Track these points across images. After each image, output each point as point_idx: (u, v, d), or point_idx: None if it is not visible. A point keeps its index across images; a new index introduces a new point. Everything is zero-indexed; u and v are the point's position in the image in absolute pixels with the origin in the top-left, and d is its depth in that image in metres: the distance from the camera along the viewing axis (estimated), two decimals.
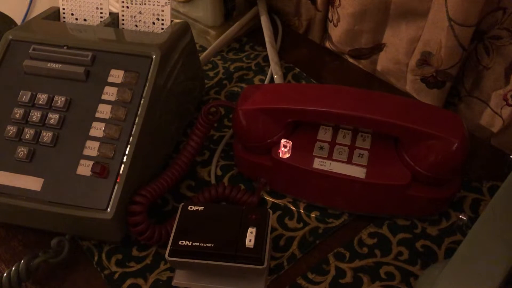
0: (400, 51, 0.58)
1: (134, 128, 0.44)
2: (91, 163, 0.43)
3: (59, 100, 0.45)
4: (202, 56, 0.63)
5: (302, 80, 0.63)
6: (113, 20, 0.53)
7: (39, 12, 0.54)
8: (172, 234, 0.40)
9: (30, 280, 0.43)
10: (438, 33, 0.51)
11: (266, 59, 0.66)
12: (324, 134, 0.47)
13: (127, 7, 0.52)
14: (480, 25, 0.49)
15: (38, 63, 0.46)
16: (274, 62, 0.64)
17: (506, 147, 0.53)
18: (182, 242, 0.39)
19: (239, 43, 0.71)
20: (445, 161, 0.41)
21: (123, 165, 0.43)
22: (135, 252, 0.45)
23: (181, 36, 0.51)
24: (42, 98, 0.45)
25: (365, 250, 0.44)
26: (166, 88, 0.48)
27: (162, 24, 0.51)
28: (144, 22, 0.52)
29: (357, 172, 0.44)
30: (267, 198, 0.49)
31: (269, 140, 0.46)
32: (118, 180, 0.42)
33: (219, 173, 0.52)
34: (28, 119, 0.45)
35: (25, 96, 0.45)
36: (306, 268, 0.43)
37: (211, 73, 0.65)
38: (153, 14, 0.51)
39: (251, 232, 0.39)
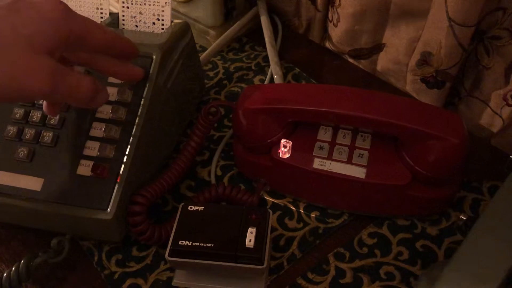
0: (400, 51, 0.58)
1: (134, 128, 0.44)
2: (91, 163, 0.43)
3: None
4: (202, 56, 0.63)
5: (302, 80, 0.63)
6: (113, 20, 0.53)
7: None
8: (172, 234, 0.40)
9: (30, 280, 0.43)
10: (438, 33, 0.51)
11: (266, 59, 0.66)
12: (324, 134, 0.47)
13: (127, 7, 0.52)
14: (480, 25, 0.49)
15: None
16: (274, 62, 0.64)
17: (506, 147, 0.53)
18: (182, 242, 0.39)
19: (239, 43, 0.70)
20: (445, 161, 0.41)
21: (123, 165, 0.43)
22: (135, 252, 0.45)
23: (181, 36, 0.51)
24: None
25: (365, 250, 0.44)
26: (166, 88, 0.48)
27: (163, 24, 0.51)
28: (144, 23, 0.52)
29: (357, 172, 0.44)
30: (267, 198, 0.49)
31: (269, 140, 0.46)
32: (118, 180, 0.42)
33: (219, 173, 0.52)
34: (29, 119, 0.45)
35: None
36: (306, 268, 0.43)
37: (211, 73, 0.65)
38: (153, 15, 0.51)
39: (251, 232, 0.39)
